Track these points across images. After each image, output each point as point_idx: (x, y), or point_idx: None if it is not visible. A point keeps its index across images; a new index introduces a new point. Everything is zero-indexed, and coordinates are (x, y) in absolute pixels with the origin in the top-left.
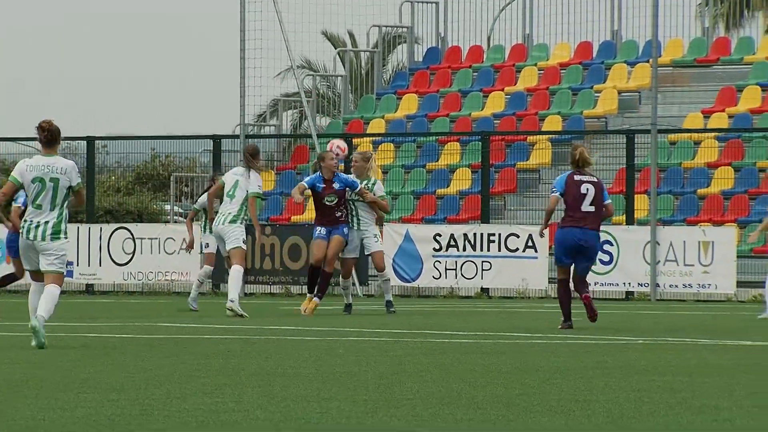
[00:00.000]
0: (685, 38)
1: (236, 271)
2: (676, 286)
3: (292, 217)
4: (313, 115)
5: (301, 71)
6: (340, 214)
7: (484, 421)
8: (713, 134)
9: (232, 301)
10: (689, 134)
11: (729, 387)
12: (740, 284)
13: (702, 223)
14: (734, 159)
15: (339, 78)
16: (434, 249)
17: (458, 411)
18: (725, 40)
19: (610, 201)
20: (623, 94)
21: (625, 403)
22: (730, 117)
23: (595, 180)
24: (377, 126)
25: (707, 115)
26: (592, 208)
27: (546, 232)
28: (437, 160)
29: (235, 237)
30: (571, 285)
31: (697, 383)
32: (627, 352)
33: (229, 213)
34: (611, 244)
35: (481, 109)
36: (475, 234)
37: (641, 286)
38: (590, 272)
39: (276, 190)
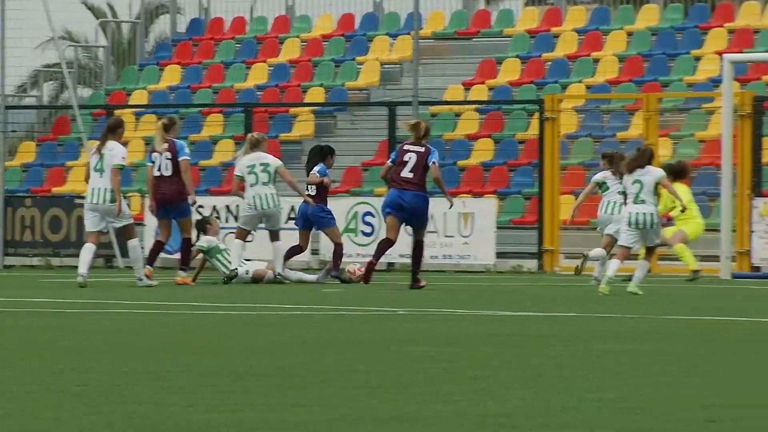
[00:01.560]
0: (446, 11)
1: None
2: (437, 257)
3: (53, 189)
4: (75, 86)
5: (62, 42)
6: None
7: (236, 393)
8: (473, 106)
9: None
10: (450, 106)
11: (487, 357)
12: (499, 255)
13: (462, 195)
14: (494, 131)
15: (101, 49)
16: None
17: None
18: (485, 12)
19: (433, 161)
20: (385, 66)
21: (385, 373)
22: (490, 89)
23: (422, 150)
24: (140, 97)
25: (468, 87)
26: (411, 175)
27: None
28: (200, 132)
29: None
30: None
31: (456, 353)
32: (388, 323)
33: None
34: (373, 216)
35: (244, 81)
36: (237, 206)
37: (403, 257)
38: (420, 235)
39: (36, 162)
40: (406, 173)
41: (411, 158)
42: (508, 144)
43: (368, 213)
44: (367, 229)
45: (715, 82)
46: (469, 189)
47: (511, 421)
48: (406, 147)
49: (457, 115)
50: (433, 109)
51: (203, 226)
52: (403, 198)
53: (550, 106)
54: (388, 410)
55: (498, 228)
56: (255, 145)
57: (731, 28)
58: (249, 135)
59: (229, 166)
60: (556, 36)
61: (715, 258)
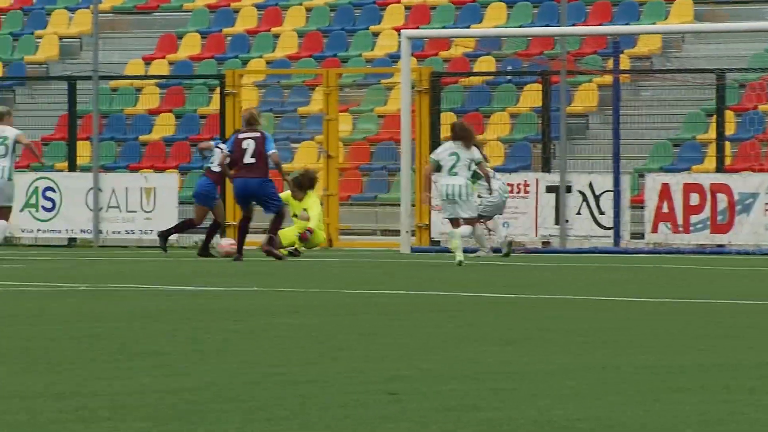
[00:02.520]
0: None
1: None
2: (119, 233)
3: None
4: None
5: None
6: None
7: None
8: (154, 81)
9: None
10: (131, 81)
11: (171, 332)
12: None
13: (144, 170)
14: (175, 106)
15: None
16: None
17: None
18: None
19: (274, 150)
20: (64, 40)
21: (67, 349)
22: (170, 64)
23: (258, 135)
24: None
25: (148, 62)
26: (253, 160)
27: None
28: None
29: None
30: None
31: (138, 329)
32: (68, 299)
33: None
34: (54, 191)
35: None
36: None
37: (84, 232)
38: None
39: None
40: (248, 159)
41: (249, 145)
42: (189, 119)
43: (49, 188)
44: (48, 204)
45: (394, 58)
46: (151, 164)
47: (194, 397)
48: (241, 135)
49: (138, 90)
50: (114, 83)
51: None
52: (248, 189)
53: (231, 81)
54: (69, 386)
55: (180, 203)
56: None
57: (408, 4)
58: None
59: None
60: (237, 11)
61: (396, 233)
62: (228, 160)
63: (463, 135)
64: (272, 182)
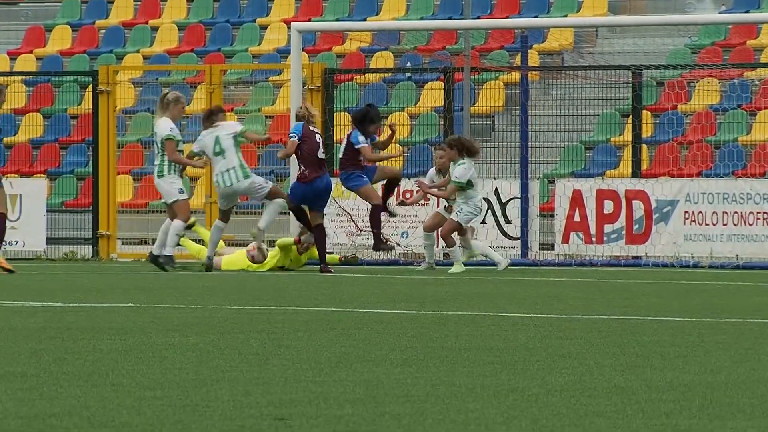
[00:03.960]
0: None
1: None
2: None
3: None
4: None
5: None
6: None
7: None
8: (20, 78)
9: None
10: None
11: (36, 352)
12: (50, 241)
13: (10, 175)
14: (44, 105)
15: None
16: None
17: None
18: None
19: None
20: None
21: None
22: (38, 59)
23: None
24: None
25: (14, 56)
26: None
27: None
28: None
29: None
30: None
31: (0, 348)
32: None
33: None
34: None
35: None
36: None
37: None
38: None
39: None
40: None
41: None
42: (59, 119)
43: None
44: None
45: (283, 53)
46: (17, 169)
47: (63, 423)
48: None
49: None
50: None
51: None
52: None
53: (104, 78)
54: None
55: (48, 211)
56: None
57: None
58: None
59: None
60: (111, 2)
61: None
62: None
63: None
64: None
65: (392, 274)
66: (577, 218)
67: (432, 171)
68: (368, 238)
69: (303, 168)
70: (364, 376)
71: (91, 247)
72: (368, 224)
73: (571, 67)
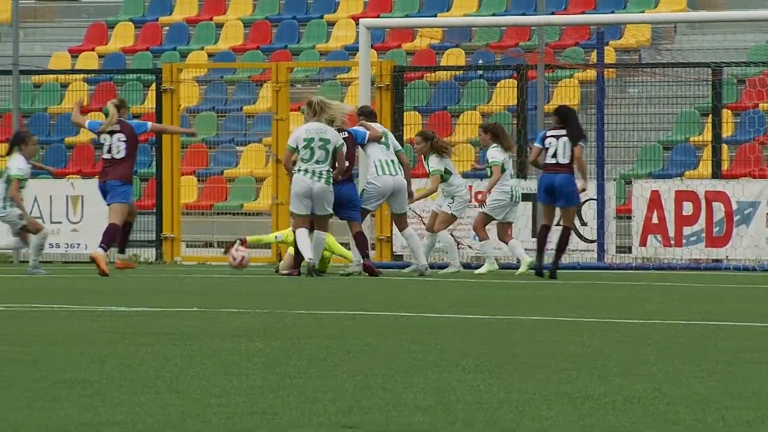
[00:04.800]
0: None
1: None
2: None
3: None
4: None
5: None
6: None
7: None
8: (82, 76)
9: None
10: (56, 76)
11: (98, 358)
12: None
13: (70, 176)
14: (105, 104)
15: None
16: None
17: None
18: None
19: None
20: None
21: None
22: (100, 57)
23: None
24: None
25: (75, 54)
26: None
27: None
28: None
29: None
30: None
31: (62, 353)
32: None
33: None
34: None
35: None
36: None
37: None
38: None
39: None
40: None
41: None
42: None
43: None
44: None
45: (351, 51)
46: (78, 169)
47: (126, 431)
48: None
49: (64, 86)
50: (37, 78)
51: None
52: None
53: (168, 76)
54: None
55: None
56: None
57: None
58: None
59: None
60: None
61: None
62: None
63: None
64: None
65: (459, 278)
66: (655, 220)
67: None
68: (438, 240)
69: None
70: (435, 382)
71: (154, 249)
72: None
73: (649, 65)
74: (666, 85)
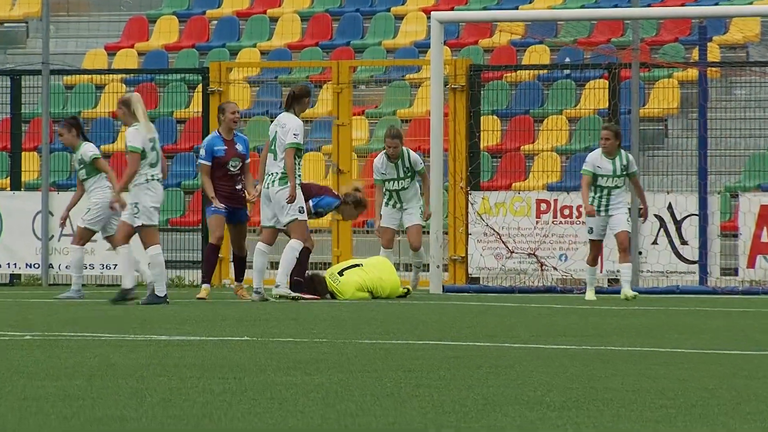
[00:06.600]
0: None
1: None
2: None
3: None
4: None
5: None
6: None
7: None
8: (120, 76)
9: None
10: (90, 76)
11: (138, 392)
12: None
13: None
14: (147, 107)
15: None
16: None
17: None
18: None
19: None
20: (6, 24)
21: (8, 413)
22: (140, 55)
23: None
24: None
25: (112, 52)
26: None
27: None
28: None
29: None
30: None
31: (98, 388)
32: (9, 352)
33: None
34: None
35: None
36: None
37: (30, 267)
38: None
39: None
40: None
41: None
42: (164, 124)
43: None
44: None
45: (422, 48)
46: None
47: None
48: None
49: (100, 87)
50: (69, 79)
51: None
52: None
53: (216, 76)
54: None
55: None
56: None
57: None
58: None
59: None
60: None
61: (426, 266)
62: None
63: None
64: None
65: (547, 303)
66: (764, 238)
67: (382, 159)
68: (520, 261)
69: None
70: (517, 421)
71: (200, 271)
72: (519, 245)
73: (758, 63)
74: None
